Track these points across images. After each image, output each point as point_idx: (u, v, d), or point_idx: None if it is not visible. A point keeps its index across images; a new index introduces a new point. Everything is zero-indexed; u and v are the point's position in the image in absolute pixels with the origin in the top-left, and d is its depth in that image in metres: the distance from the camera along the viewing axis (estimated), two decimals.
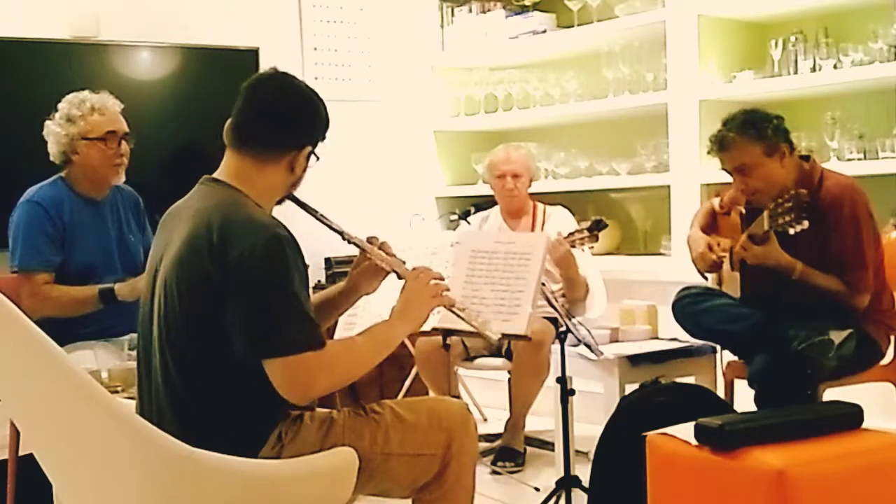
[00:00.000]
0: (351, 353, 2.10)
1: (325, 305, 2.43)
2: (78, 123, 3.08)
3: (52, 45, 4.20)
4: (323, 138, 2.20)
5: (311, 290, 2.14)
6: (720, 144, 3.05)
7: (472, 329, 2.39)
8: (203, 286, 1.97)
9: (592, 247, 3.52)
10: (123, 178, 3.17)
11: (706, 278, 3.37)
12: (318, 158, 2.20)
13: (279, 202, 2.21)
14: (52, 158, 3.13)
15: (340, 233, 2.30)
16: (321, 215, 2.30)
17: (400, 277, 2.29)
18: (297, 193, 2.25)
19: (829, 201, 2.95)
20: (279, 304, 1.96)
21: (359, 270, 2.40)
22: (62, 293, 3.03)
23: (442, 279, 2.28)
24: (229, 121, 2.16)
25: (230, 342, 1.97)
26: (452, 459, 2.18)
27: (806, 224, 2.81)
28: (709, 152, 3.12)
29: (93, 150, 3.09)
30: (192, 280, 2.00)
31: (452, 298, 2.32)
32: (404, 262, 2.36)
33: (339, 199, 4.71)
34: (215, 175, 2.15)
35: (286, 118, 2.14)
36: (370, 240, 2.36)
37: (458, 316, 2.35)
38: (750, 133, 2.98)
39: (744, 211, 3.09)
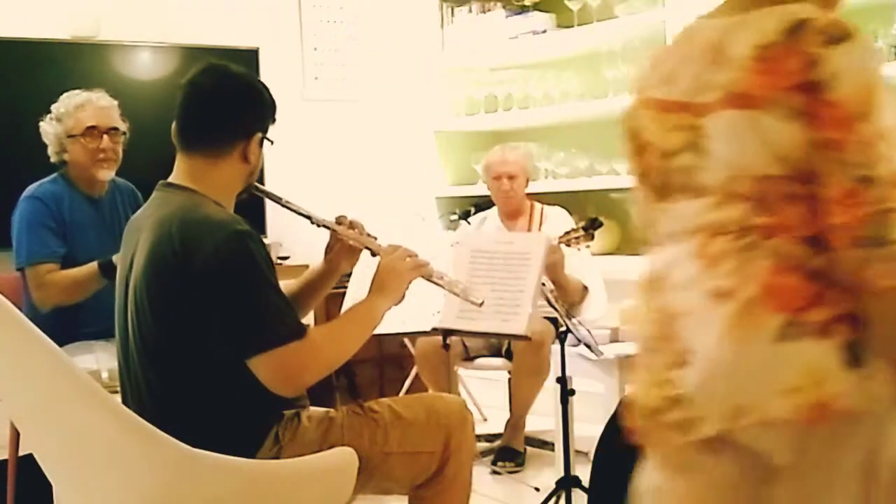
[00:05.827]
0: (335, 336, 2.09)
1: (307, 290, 2.42)
2: (65, 122, 3.10)
3: (52, 45, 4.20)
4: (272, 121, 2.17)
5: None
6: None
7: (461, 301, 2.40)
8: (173, 296, 1.95)
9: (588, 246, 3.51)
10: (112, 174, 3.16)
11: None
12: (271, 143, 2.17)
13: (241, 195, 2.17)
14: (51, 160, 3.14)
15: (308, 217, 2.29)
16: (286, 202, 2.28)
17: (374, 254, 2.28)
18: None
19: None
20: (252, 300, 1.94)
21: (333, 253, 2.40)
22: (63, 277, 3.03)
23: (416, 255, 2.27)
24: (174, 123, 2.13)
25: (210, 348, 1.95)
26: (451, 456, 2.18)
27: None
28: None
29: (77, 147, 3.10)
30: (161, 292, 1.97)
31: (430, 269, 2.30)
32: (376, 238, 2.34)
33: (339, 199, 4.71)
34: (170, 179, 2.12)
35: (228, 111, 2.10)
36: (339, 220, 2.35)
37: (439, 285, 2.34)
38: None
39: None
